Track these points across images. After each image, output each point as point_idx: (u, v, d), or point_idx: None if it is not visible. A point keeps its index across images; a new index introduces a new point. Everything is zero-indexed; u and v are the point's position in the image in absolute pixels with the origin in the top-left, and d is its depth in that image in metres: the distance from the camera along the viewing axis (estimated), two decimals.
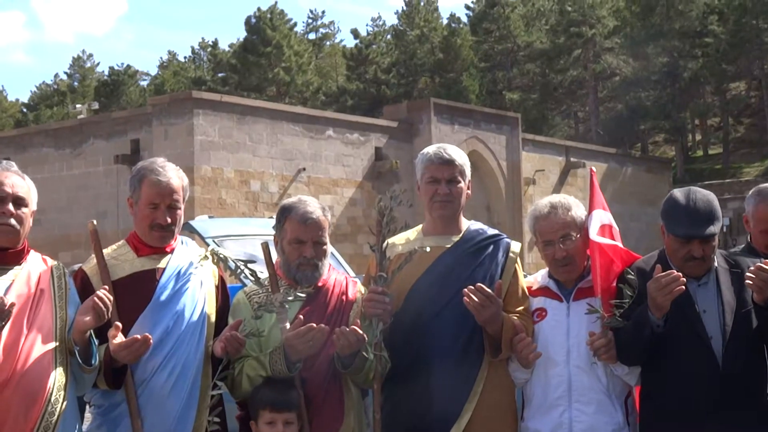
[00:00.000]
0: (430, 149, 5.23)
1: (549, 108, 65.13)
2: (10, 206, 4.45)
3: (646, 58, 62.38)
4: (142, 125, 29.96)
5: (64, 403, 4.38)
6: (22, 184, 4.55)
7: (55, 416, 4.32)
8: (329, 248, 5.07)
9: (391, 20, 77.82)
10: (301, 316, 4.74)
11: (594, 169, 5.72)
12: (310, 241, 4.95)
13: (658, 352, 4.85)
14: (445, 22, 72.96)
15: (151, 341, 4.50)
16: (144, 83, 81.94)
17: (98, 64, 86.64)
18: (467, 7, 70.14)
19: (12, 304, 4.13)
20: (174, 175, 4.88)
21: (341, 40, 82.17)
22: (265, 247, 4.95)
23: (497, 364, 5.07)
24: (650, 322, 4.74)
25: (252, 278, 5.01)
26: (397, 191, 4.97)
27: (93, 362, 4.48)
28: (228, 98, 31.51)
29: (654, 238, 37.72)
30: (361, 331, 4.68)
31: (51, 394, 4.32)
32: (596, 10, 62.45)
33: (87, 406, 5.29)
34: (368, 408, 5.02)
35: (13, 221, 4.45)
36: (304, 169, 30.67)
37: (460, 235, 5.23)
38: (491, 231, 5.32)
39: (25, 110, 79.18)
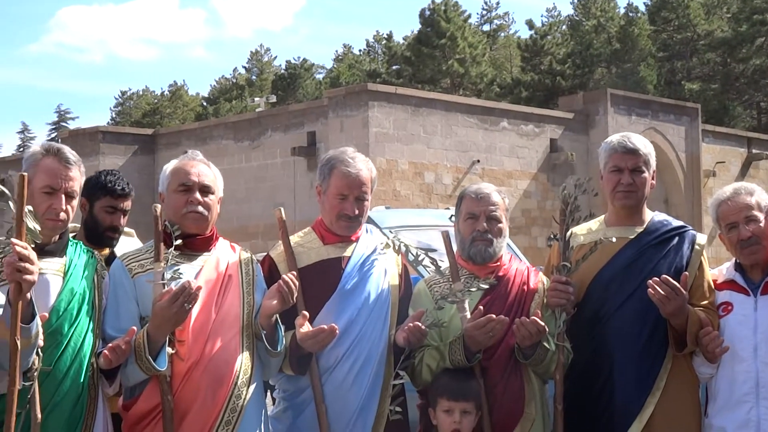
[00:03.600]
0: (613, 138, 5.15)
1: (730, 98, 63.22)
2: (198, 194, 4.57)
3: None
4: (319, 118, 30.34)
5: (251, 386, 4.49)
6: (207, 172, 4.68)
7: (242, 399, 4.42)
8: (506, 229, 5.05)
9: (567, 10, 76.98)
10: (481, 307, 4.73)
11: None
12: (482, 215, 4.95)
13: None
14: (622, 11, 71.57)
15: (337, 331, 4.55)
16: (320, 76, 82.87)
17: (275, 58, 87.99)
18: None
19: (198, 288, 4.25)
20: (363, 167, 4.93)
21: (516, 31, 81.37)
22: (446, 236, 4.95)
23: (681, 358, 4.97)
24: None
25: (433, 267, 5.02)
26: (582, 180, 4.93)
27: (279, 347, 4.57)
28: (402, 90, 31.62)
29: None
30: (542, 322, 4.65)
31: (238, 377, 4.43)
32: None
33: (270, 391, 5.37)
34: (550, 399, 4.98)
35: (200, 208, 4.57)
36: (479, 161, 30.54)
37: (644, 226, 5.14)
38: (676, 222, 5.21)
39: (205, 104, 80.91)
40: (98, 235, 5.26)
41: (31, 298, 3.82)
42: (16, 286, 3.71)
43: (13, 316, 3.72)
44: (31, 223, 3.85)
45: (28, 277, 3.73)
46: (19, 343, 3.71)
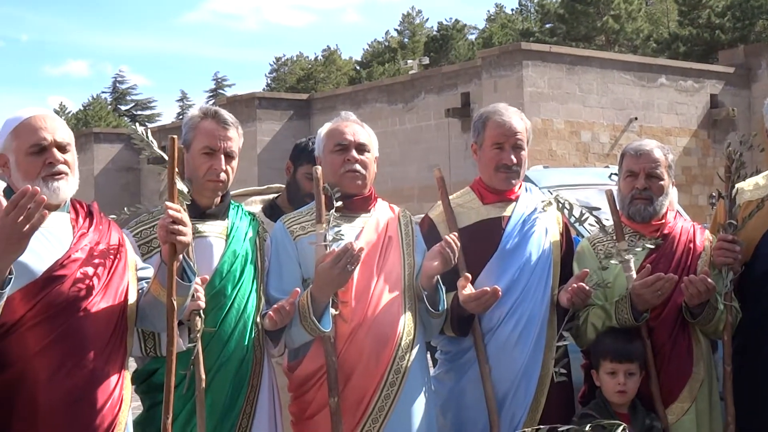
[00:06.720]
0: None
1: None
2: (354, 153, 4.58)
3: None
4: (472, 78, 30.26)
5: (414, 348, 4.49)
6: (361, 131, 4.69)
7: (406, 360, 4.43)
8: (668, 186, 4.92)
9: None
10: (649, 265, 4.64)
11: None
12: (642, 172, 4.85)
13: None
14: None
15: (500, 293, 4.52)
16: (472, 37, 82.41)
17: (427, 20, 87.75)
18: None
19: (361, 249, 4.26)
20: (516, 117, 4.90)
21: None
22: (610, 194, 4.87)
23: None
24: None
25: (597, 226, 4.94)
26: (747, 135, 4.77)
27: (440, 308, 4.56)
28: (557, 48, 31.23)
29: None
30: (711, 280, 4.53)
31: (401, 339, 4.43)
32: None
33: (431, 353, 5.37)
34: (718, 360, 4.86)
35: (357, 167, 4.58)
36: (636, 118, 30.02)
37: None
38: None
39: (358, 68, 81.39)
40: (299, 199, 5.29)
41: (183, 257, 3.87)
42: (171, 248, 3.76)
43: (168, 277, 3.77)
44: (180, 185, 3.91)
45: (181, 238, 3.77)
46: (175, 303, 3.77)
